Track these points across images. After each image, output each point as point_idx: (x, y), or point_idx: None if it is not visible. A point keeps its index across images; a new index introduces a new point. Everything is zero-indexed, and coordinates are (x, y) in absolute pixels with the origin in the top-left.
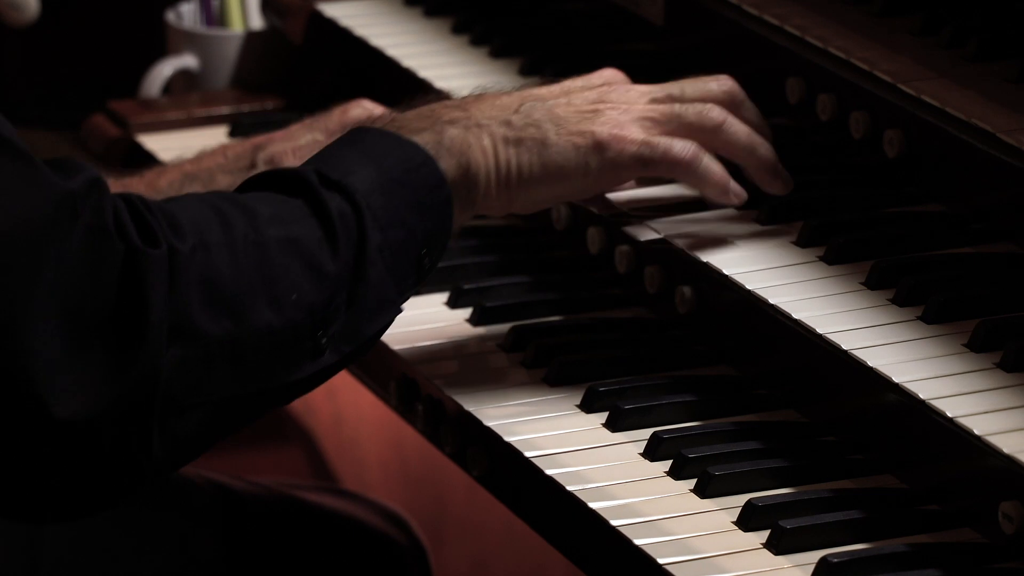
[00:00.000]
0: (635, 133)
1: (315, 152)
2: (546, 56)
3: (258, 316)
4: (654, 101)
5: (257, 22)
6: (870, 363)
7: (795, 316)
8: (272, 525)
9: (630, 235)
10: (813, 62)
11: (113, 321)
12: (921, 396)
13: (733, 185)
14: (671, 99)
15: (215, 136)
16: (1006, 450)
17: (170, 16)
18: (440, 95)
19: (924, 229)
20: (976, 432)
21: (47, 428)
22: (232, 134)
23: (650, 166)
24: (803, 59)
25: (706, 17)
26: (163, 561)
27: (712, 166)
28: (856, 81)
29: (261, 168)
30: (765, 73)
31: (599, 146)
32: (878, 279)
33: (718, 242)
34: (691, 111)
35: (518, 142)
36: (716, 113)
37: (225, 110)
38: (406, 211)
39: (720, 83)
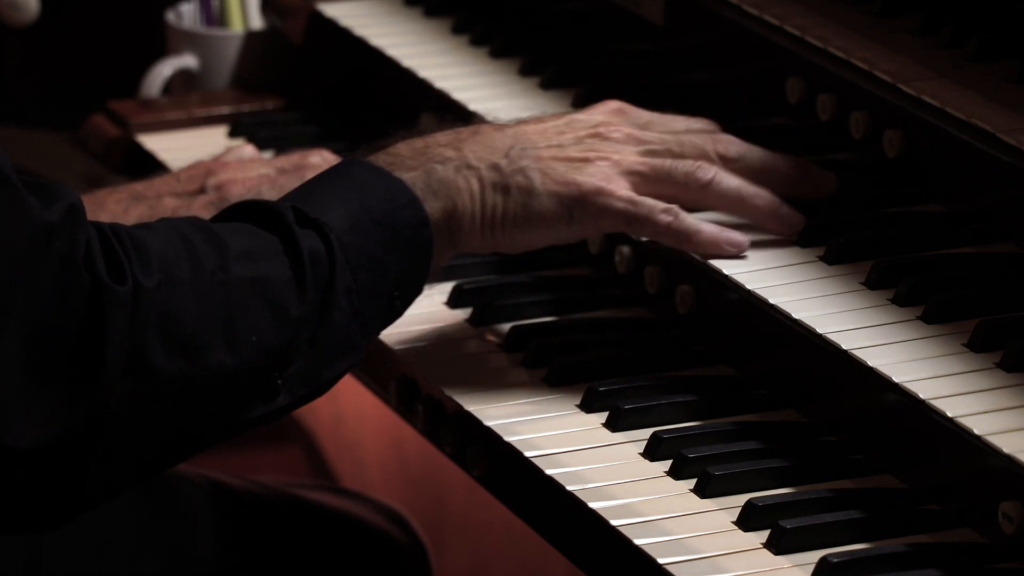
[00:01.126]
0: (621, 189)
1: (264, 186)
2: (546, 56)
3: (214, 356)
4: (648, 154)
5: (257, 22)
6: (870, 363)
7: (795, 316)
8: (272, 524)
9: (630, 235)
10: (813, 62)
11: (71, 354)
12: (921, 396)
13: (727, 236)
14: (670, 153)
15: (215, 136)
16: (1006, 450)
17: (170, 16)
18: (441, 98)
19: (924, 229)
20: (976, 432)
21: None
22: (232, 134)
23: (633, 225)
24: (803, 59)
25: (706, 17)
26: (163, 560)
27: (695, 224)
28: (856, 81)
29: (210, 194)
30: (765, 73)
31: (583, 198)
32: (878, 279)
33: None
34: (680, 170)
35: (505, 188)
36: (703, 172)
37: (225, 110)
38: (381, 252)
39: (722, 145)
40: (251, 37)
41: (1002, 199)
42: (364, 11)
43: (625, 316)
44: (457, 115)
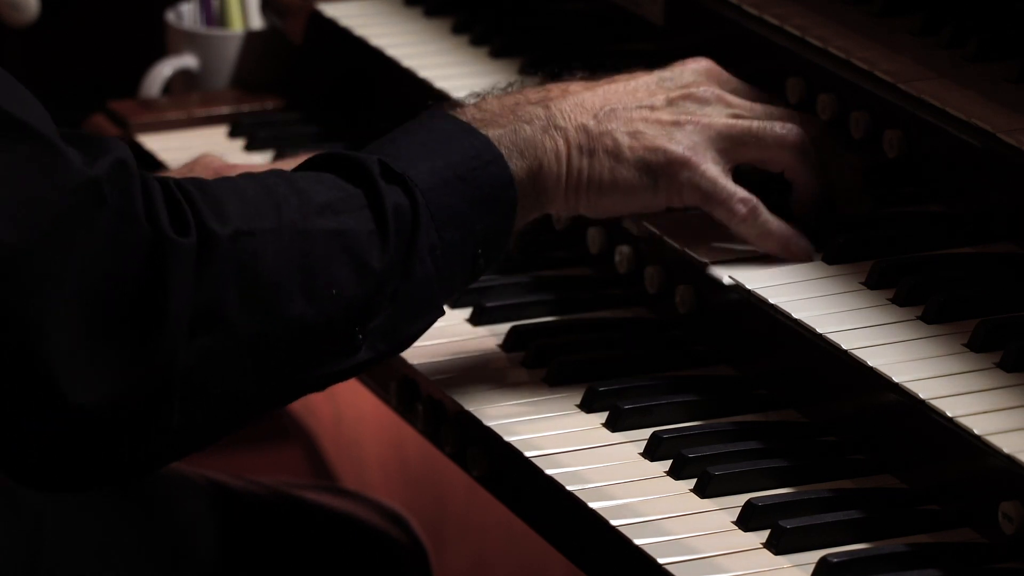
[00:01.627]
0: (707, 162)
1: None
2: (546, 56)
3: (293, 308)
4: (735, 117)
5: (257, 22)
6: (870, 363)
7: (795, 316)
8: (272, 524)
9: (627, 229)
10: (813, 62)
11: (134, 310)
12: (921, 396)
13: (796, 241)
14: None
15: (215, 136)
16: (1006, 450)
17: (170, 16)
18: (441, 98)
19: (924, 229)
20: (976, 432)
21: (62, 410)
22: (232, 134)
23: (709, 205)
24: (803, 59)
25: (706, 17)
26: (163, 560)
27: (771, 222)
28: (856, 81)
29: None
30: (765, 73)
31: (670, 167)
32: (878, 279)
33: (718, 242)
34: (769, 134)
35: (591, 152)
36: (794, 135)
37: (225, 110)
38: (466, 209)
39: (796, 123)
40: (251, 37)
41: (1002, 199)
42: (364, 11)
43: (625, 316)
44: None
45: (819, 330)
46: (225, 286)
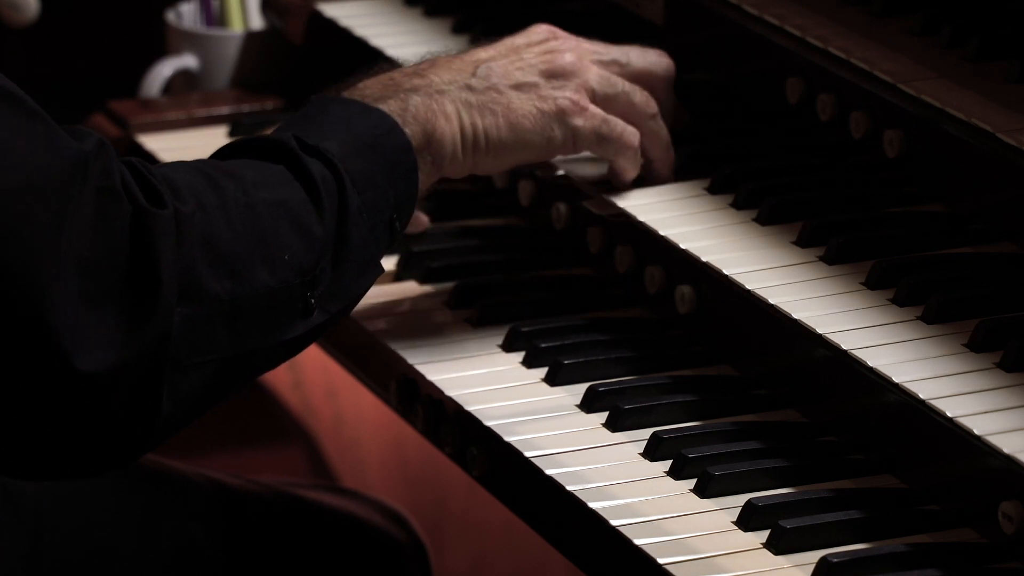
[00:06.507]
0: (592, 105)
1: None
2: None
3: (255, 276)
4: (600, 63)
5: (257, 22)
6: (870, 363)
7: (795, 316)
8: (272, 523)
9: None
10: (813, 62)
11: (126, 279)
12: (921, 396)
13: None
14: (616, 64)
15: (215, 136)
16: (1006, 450)
17: (170, 16)
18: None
19: (924, 229)
20: (976, 432)
21: (69, 379)
22: (232, 134)
23: (603, 144)
24: (803, 59)
25: (706, 17)
26: (163, 560)
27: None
28: (856, 81)
29: None
30: (765, 73)
31: (563, 113)
32: (878, 279)
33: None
34: (639, 94)
35: (481, 107)
36: (653, 105)
37: (225, 110)
38: (379, 175)
39: (661, 56)
40: (251, 37)
41: (1002, 199)
42: (364, 11)
43: (625, 316)
44: None
45: (819, 330)
46: (196, 258)
